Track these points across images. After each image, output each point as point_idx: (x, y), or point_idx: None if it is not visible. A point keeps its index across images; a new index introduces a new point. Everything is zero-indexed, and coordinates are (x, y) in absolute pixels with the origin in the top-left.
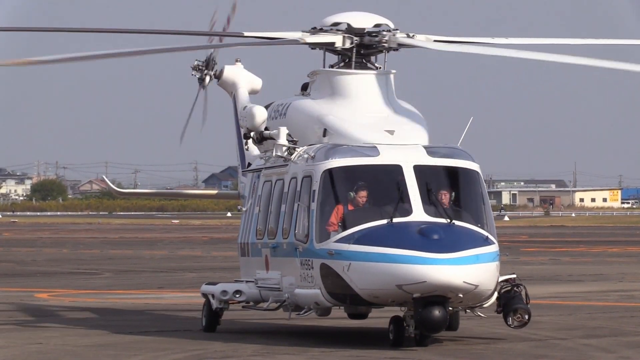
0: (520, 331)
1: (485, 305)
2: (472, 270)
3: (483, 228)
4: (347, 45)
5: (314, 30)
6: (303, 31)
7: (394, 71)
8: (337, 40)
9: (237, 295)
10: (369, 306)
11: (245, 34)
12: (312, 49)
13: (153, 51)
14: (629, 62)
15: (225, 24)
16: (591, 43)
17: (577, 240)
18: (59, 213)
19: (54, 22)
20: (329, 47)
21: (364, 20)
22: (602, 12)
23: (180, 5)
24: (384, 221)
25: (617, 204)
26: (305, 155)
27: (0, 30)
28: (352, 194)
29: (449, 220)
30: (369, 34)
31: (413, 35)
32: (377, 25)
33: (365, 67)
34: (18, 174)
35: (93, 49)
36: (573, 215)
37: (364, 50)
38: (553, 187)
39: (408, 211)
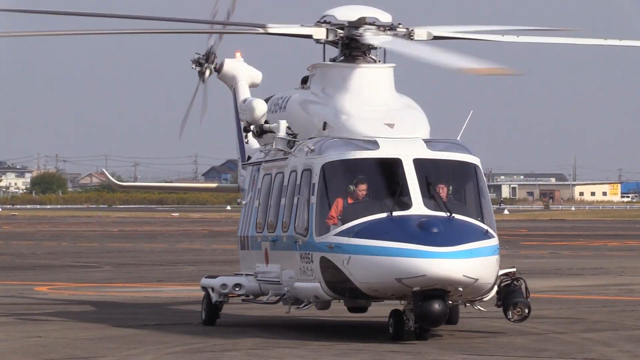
0: (520, 325)
1: (485, 299)
2: (472, 263)
3: (483, 222)
4: (331, 38)
5: (334, 26)
6: (302, 25)
7: (393, 64)
8: (316, 33)
9: (237, 289)
10: (368, 300)
11: (260, 30)
12: (318, 42)
13: (149, 31)
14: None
15: (227, 13)
16: (595, 44)
17: (576, 234)
18: (58, 206)
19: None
20: (316, 40)
21: (349, 13)
22: (605, 12)
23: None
24: (384, 214)
25: (616, 197)
26: (305, 149)
27: None
28: (351, 187)
29: (448, 214)
30: (351, 27)
31: (412, 30)
32: (364, 19)
33: (365, 61)
34: (18, 167)
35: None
36: (573, 209)
37: (354, 43)
38: (553, 180)
39: (408, 205)
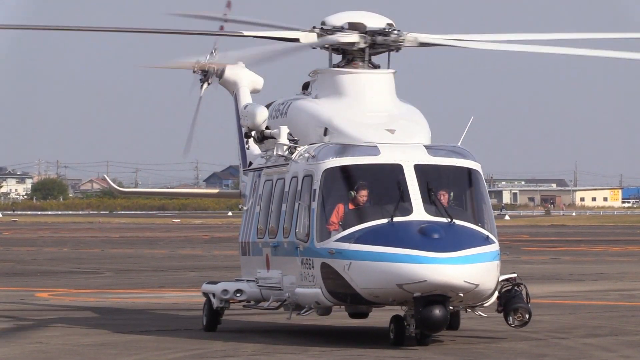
0: (521, 330)
1: (485, 305)
2: (473, 269)
3: (484, 227)
4: (362, 44)
5: (324, 31)
6: (300, 30)
7: (394, 70)
8: (358, 40)
9: (238, 295)
10: (369, 305)
11: (245, 33)
12: (322, 48)
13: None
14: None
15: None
16: (593, 37)
17: (577, 239)
18: (59, 212)
19: (52, 14)
20: (348, 47)
21: (375, 20)
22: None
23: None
24: (385, 220)
25: (617, 203)
26: (306, 155)
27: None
28: (352, 193)
29: (449, 220)
30: (383, 33)
31: (406, 34)
32: (389, 25)
33: (365, 67)
34: (19, 173)
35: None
36: (574, 214)
37: (371, 49)
38: (554, 186)
39: (409, 210)
